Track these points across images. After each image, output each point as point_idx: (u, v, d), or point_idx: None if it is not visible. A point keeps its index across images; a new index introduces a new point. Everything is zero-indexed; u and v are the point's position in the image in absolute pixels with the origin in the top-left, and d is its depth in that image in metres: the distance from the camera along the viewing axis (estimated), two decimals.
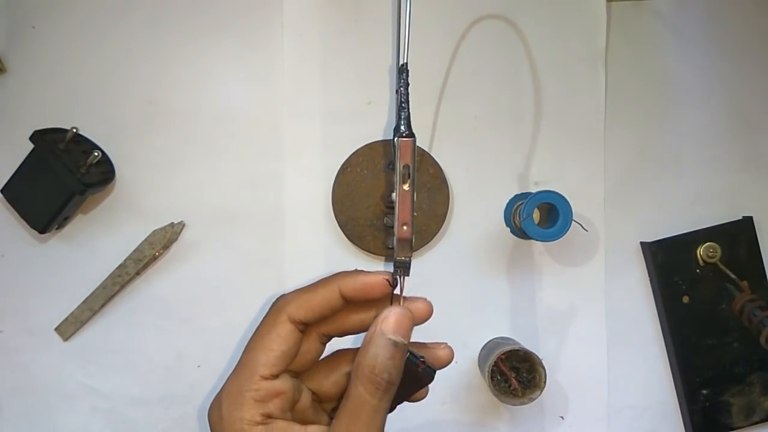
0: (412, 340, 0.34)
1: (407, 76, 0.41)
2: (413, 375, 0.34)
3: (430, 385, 0.36)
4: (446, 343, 0.36)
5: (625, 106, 0.59)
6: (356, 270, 0.34)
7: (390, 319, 0.32)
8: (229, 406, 0.32)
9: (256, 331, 0.34)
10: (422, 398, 0.37)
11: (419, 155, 0.56)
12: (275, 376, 0.33)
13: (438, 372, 0.56)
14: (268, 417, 0.32)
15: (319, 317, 0.33)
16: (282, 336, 0.33)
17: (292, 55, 0.57)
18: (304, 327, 0.34)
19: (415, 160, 0.36)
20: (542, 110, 0.58)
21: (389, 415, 0.33)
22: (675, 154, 0.59)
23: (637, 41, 0.59)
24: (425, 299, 0.35)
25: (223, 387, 0.33)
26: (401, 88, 0.40)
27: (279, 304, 0.34)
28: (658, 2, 0.59)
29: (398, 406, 0.36)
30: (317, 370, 0.36)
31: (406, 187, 0.35)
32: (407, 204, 0.35)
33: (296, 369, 0.35)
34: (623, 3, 0.59)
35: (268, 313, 0.34)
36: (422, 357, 0.34)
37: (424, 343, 0.36)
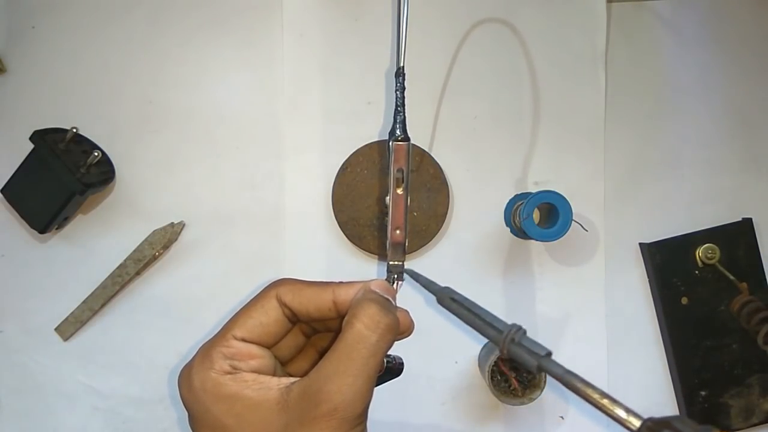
0: None
1: (403, 79, 0.41)
2: (388, 369, 0.36)
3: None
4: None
5: (625, 106, 0.59)
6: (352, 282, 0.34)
7: (376, 282, 0.33)
8: (201, 363, 0.31)
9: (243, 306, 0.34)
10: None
11: (419, 155, 0.56)
12: (248, 342, 0.32)
13: (438, 372, 0.57)
14: (237, 370, 0.31)
15: (305, 309, 0.33)
16: (264, 308, 0.33)
17: (292, 55, 0.57)
18: (291, 314, 0.33)
19: (410, 164, 0.36)
20: (542, 110, 0.58)
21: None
22: (675, 154, 0.59)
23: (637, 41, 0.59)
24: (406, 311, 0.34)
25: (196, 353, 0.33)
26: (397, 92, 0.40)
27: (272, 283, 0.33)
28: (658, 2, 0.59)
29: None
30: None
31: (399, 191, 0.35)
32: (400, 208, 0.35)
33: (277, 355, 0.34)
34: (623, 3, 0.59)
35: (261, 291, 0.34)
36: (390, 355, 0.36)
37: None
